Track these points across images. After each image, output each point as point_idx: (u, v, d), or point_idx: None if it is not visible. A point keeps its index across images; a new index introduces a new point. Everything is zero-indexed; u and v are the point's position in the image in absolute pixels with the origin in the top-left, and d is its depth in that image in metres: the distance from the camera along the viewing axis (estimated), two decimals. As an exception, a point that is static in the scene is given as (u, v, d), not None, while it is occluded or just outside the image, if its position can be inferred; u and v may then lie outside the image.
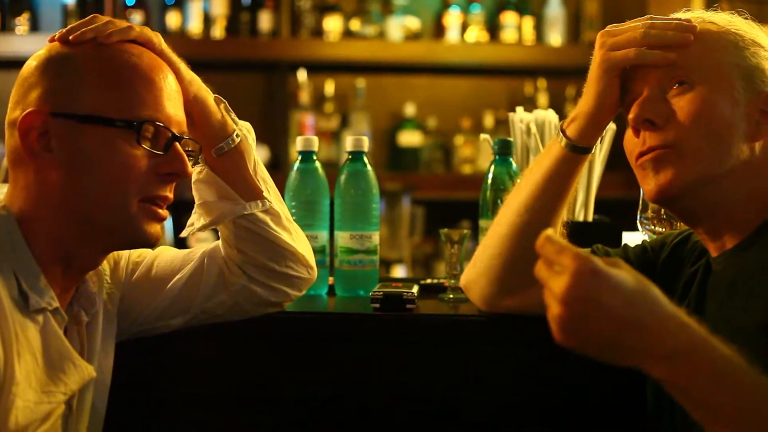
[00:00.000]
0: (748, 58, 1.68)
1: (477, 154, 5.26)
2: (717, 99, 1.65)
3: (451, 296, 2.22)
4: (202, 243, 2.02)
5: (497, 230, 1.95)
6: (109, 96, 1.64)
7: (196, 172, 1.89)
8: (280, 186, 2.05)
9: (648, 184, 1.70)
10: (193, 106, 1.81)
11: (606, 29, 1.77)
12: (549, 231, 1.32)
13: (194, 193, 1.92)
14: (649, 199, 1.72)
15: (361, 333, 2.07)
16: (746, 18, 1.75)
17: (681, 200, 1.68)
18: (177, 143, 1.70)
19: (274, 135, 5.06)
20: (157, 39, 1.75)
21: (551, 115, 2.38)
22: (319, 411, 2.06)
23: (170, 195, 1.73)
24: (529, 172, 1.93)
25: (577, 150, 1.85)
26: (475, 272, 1.99)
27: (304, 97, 5.15)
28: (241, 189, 1.89)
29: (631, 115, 1.71)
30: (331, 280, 2.37)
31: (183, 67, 1.80)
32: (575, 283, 1.26)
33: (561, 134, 1.86)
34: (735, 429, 1.30)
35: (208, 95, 1.86)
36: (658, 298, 1.29)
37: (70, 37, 1.67)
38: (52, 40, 1.71)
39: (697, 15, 1.75)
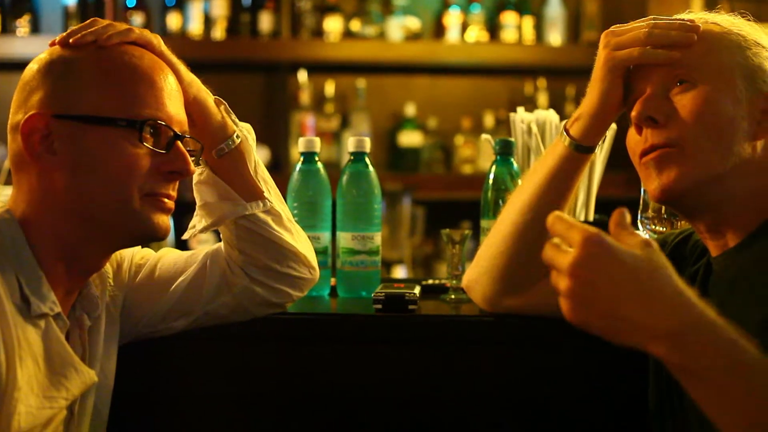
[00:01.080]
0: (750, 58, 1.69)
1: (477, 154, 5.25)
2: (719, 97, 1.66)
3: (453, 297, 2.22)
4: (204, 244, 2.02)
5: (500, 229, 1.95)
6: (110, 96, 1.65)
7: (197, 173, 1.89)
8: (282, 187, 2.06)
9: (651, 184, 1.70)
10: (193, 107, 1.82)
11: (610, 29, 1.78)
12: (558, 211, 1.34)
13: (195, 194, 1.92)
14: (653, 198, 1.73)
15: (363, 334, 2.07)
16: (749, 19, 1.75)
17: (684, 199, 1.69)
18: (179, 142, 1.71)
19: (275, 136, 5.06)
20: (157, 41, 1.76)
21: (552, 116, 2.38)
22: (321, 412, 2.06)
23: (173, 193, 1.74)
24: (533, 172, 1.93)
25: (581, 149, 1.86)
26: (478, 271, 1.99)
27: (305, 97, 5.16)
28: (242, 190, 1.90)
29: (633, 113, 1.71)
30: (333, 281, 2.37)
31: (183, 68, 1.80)
32: (581, 253, 1.28)
33: (564, 133, 1.86)
34: (739, 411, 1.28)
35: (208, 96, 1.86)
36: (667, 274, 1.29)
37: (71, 40, 1.68)
38: (52, 44, 1.72)
39: (700, 16, 1.76)
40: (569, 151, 1.86)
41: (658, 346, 1.28)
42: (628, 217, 1.33)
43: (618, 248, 1.28)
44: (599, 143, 1.89)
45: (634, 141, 1.74)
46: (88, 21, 1.72)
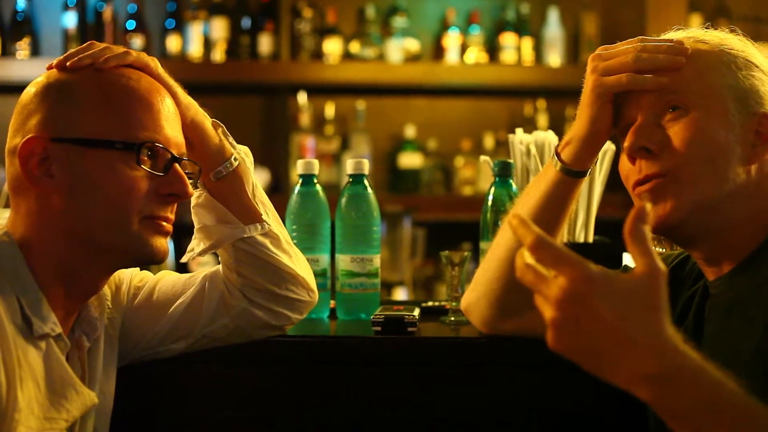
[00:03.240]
0: (741, 80, 1.67)
1: (477, 176, 5.26)
2: (711, 124, 1.65)
3: (453, 319, 2.21)
4: (204, 267, 2.02)
5: (496, 253, 1.94)
6: (108, 119, 1.65)
7: (195, 196, 1.89)
8: (281, 209, 2.05)
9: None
10: (190, 130, 1.82)
11: (597, 52, 1.76)
12: (537, 230, 1.30)
13: (193, 217, 1.92)
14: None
15: (362, 356, 2.06)
16: (739, 36, 1.75)
17: (680, 229, 1.68)
18: (176, 164, 1.71)
19: (275, 158, 5.07)
20: (154, 63, 1.76)
21: (551, 137, 2.37)
22: (321, 435, 2.06)
23: (171, 216, 1.74)
24: (526, 196, 1.92)
25: (572, 174, 1.84)
26: (475, 295, 1.99)
27: (305, 119, 5.16)
28: (240, 212, 1.90)
29: (626, 143, 1.70)
30: (332, 303, 2.37)
31: (180, 91, 1.81)
32: (569, 289, 1.25)
33: (556, 158, 1.85)
34: None
35: (205, 119, 1.86)
36: (656, 318, 1.27)
37: (68, 64, 1.68)
38: (50, 67, 1.72)
39: (690, 34, 1.74)
40: (561, 176, 1.85)
41: (639, 388, 1.27)
42: (647, 224, 1.29)
43: (609, 288, 1.26)
44: (597, 164, 1.89)
45: (627, 169, 1.73)
46: (85, 44, 1.72)
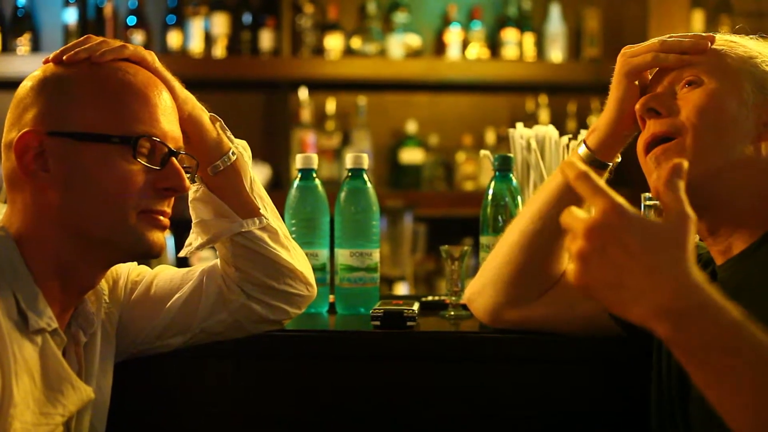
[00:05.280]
0: (759, 66, 1.73)
1: (479, 171, 5.25)
2: (724, 95, 1.70)
3: (452, 313, 2.21)
4: (205, 262, 2.02)
5: (508, 238, 1.96)
6: (104, 113, 1.65)
7: (192, 190, 1.89)
8: (282, 205, 2.05)
9: (653, 179, 1.73)
10: (188, 124, 1.81)
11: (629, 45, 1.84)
12: (584, 167, 1.32)
13: (191, 211, 1.92)
14: (653, 193, 1.75)
15: (361, 350, 2.06)
16: (766, 39, 1.80)
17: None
18: (173, 158, 1.70)
19: (276, 153, 5.08)
20: (151, 57, 1.75)
21: (551, 131, 2.38)
22: (320, 429, 2.05)
23: (168, 210, 1.73)
24: (547, 182, 1.96)
25: (596, 164, 1.88)
26: (482, 282, 1.99)
27: (306, 115, 5.15)
28: (238, 207, 1.89)
29: (637, 106, 1.76)
30: (331, 297, 2.36)
31: (177, 85, 1.80)
32: (599, 219, 1.27)
33: (583, 145, 1.89)
34: (742, 395, 1.25)
35: (203, 113, 1.86)
36: (682, 255, 1.27)
37: (64, 58, 1.68)
38: (46, 62, 1.72)
39: (719, 36, 1.79)
40: (585, 164, 1.86)
41: (660, 323, 1.26)
42: (682, 179, 1.31)
43: (639, 223, 1.27)
44: (614, 161, 1.90)
45: (641, 138, 1.78)
46: (82, 38, 1.72)
